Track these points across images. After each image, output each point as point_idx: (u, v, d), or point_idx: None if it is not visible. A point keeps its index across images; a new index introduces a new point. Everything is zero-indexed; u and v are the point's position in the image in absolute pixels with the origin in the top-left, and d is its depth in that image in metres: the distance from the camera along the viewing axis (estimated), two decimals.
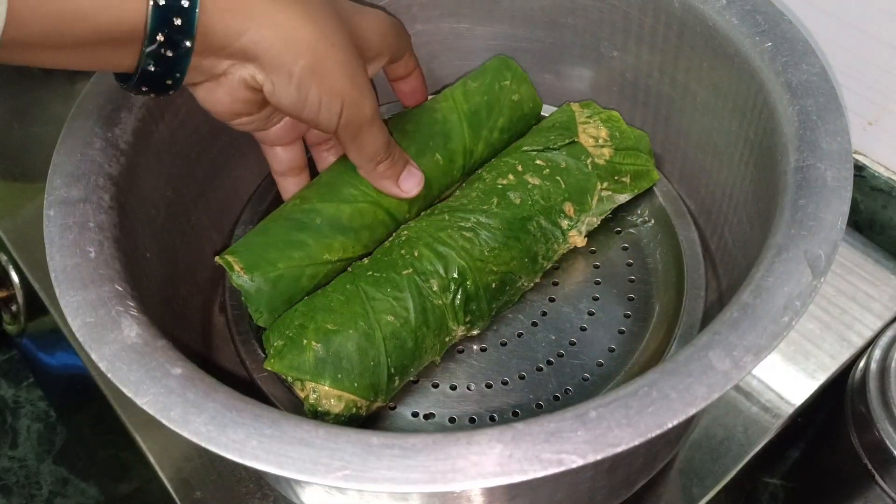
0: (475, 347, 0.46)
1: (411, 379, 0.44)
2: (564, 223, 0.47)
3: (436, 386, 0.44)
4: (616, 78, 0.52)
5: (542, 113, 0.53)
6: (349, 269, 0.44)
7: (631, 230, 0.50)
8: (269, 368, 0.40)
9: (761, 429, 0.48)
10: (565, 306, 0.47)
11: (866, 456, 0.49)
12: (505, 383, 0.44)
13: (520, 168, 0.47)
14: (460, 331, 0.44)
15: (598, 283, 0.48)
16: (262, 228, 0.44)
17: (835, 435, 0.53)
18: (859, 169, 0.56)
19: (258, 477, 0.46)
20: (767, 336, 0.31)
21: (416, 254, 0.43)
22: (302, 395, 0.40)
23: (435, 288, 0.42)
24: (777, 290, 0.32)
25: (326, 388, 0.40)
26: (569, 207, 0.47)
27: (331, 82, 0.37)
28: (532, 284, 0.47)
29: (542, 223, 0.46)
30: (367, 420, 0.42)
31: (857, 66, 0.53)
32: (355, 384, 0.40)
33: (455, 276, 0.43)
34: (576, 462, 0.28)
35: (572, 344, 0.45)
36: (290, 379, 0.41)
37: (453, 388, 0.44)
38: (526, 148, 0.48)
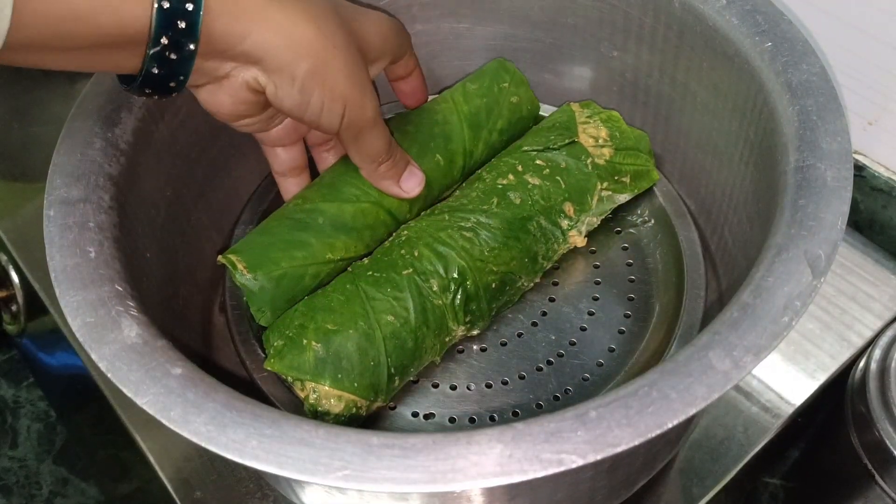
0: (475, 347, 0.46)
1: (411, 379, 0.44)
2: (564, 223, 0.47)
3: (436, 386, 0.44)
4: (616, 78, 0.52)
5: (542, 113, 0.53)
6: (349, 268, 0.44)
7: (631, 230, 0.50)
8: (269, 368, 0.40)
9: (761, 429, 0.48)
10: (565, 306, 0.47)
11: (866, 456, 0.49)
12: (505, 383, 0.44)
13: (520, 168, 0.47)
14: (460, 331, 0.44)
15: (598, 283, 0.48)
16: (265, 228, 0.44)
17: (835, 435, 0.53)
18: (859, 169, 0.56)
19: (258, 477, 0.46)
20: (767, 336, 0.31)
21: (416, 254, 0.43)
22: (302, 395, 0.40)
23: (435, 288, 0.42)
24: (777, 290, 0.32)
25: (326, 388, 0.40)
26: (569, 207, 0.47)
27: (333, 85, 0.37)
28: (532, 284, 0.47)
29: (542, 223, 0.46)
30: (367, 420, 0.42)
31: (857, 66, 0.53)
32: (355, 384, 0.40)
33: (455, 276, 0.43)
34: (576, 462, 0.28)
35: (572, 344, 0.45)
36: (290, 379, 0.41)
37: (453, 388, 0.44)
38: (526, 148, 0.48)
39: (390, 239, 0.45)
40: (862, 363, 0.49)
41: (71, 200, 0.38)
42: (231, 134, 0.48)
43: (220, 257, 0.43)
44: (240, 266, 0.42)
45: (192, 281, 0.48)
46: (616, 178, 0.48)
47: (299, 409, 0.41)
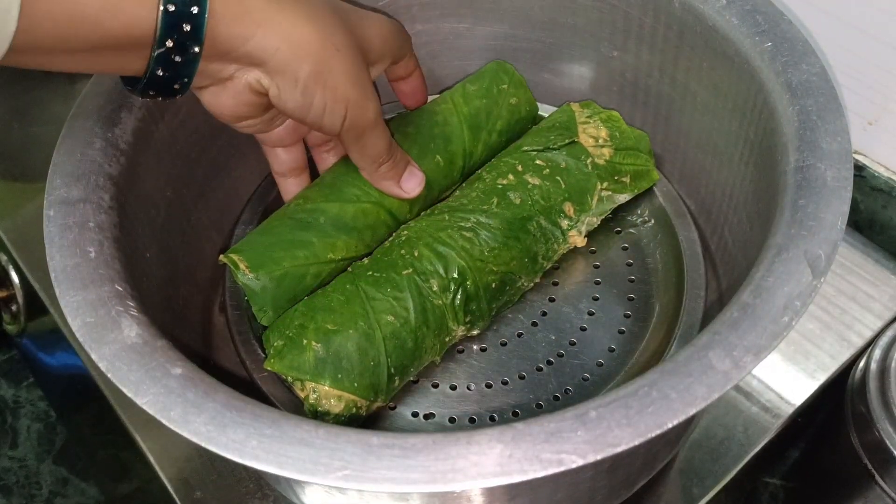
0: (475, 347, 0.46)
1: (411, 379, 0.44)
2: (564, 223, 0.47)
3: (436, 386, 0.44)
4: (616, 78, 0.52)
5: (541, 113, 0.53)
6: (349, 268, 0.44)
7: (631, 230, 0.50)
8: (269, 368, 0.40)
9: (761, 429, 0.48)
10: (565, 306, 0.47)
11: (866, 456, 0.49)
12: (505, 383, 0.44)
13: (520, 168, 0.47)
14: (460, 331, 0.44)
15: (598, 283, 0.48)
16: (266, 228, 0.44)
17: (835, 435, 0.53)
18: (859, 169, 0.56)
19: (258, 477, 0.46)
20: (767, 336, 0.31)
21: (416, 254, 0.43)
22: (302, 395, 0.40)
23: (435, 288, 0.42)
24: (777, 290, 0.32)
25: (326, 388, 0.40)
26: (569, 207, 0.47)
27: (335, 87, 0.37)
28: (532, 284, 0.47)
29: (542, 223, 0.46)
30: (367, 420, 0.42)
31: (857, 66, 0.53)
32: (355, 384, 0.40)
33: (455, 276, 0.43)
34: (576, 462, 0.28)
35: (572, 344, 0.45)
36: (290, 379, 0.41)
37: (453, 388, 0.44)
38: (526, 148, 0.48)
39: (390, 239, 0.45)
40: (862, 363, 0.49)
41: (71, 200, 0.38)
42: (231, 134, 0.48)
43: (221, 257, 0.43)
44: (242, 266, 0.42)
45: (192, 281, 0.48)
46: (616, 178, 0.48)
47: (299, 409, 0.41)
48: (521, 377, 0.44)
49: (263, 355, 0.43)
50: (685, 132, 0.50)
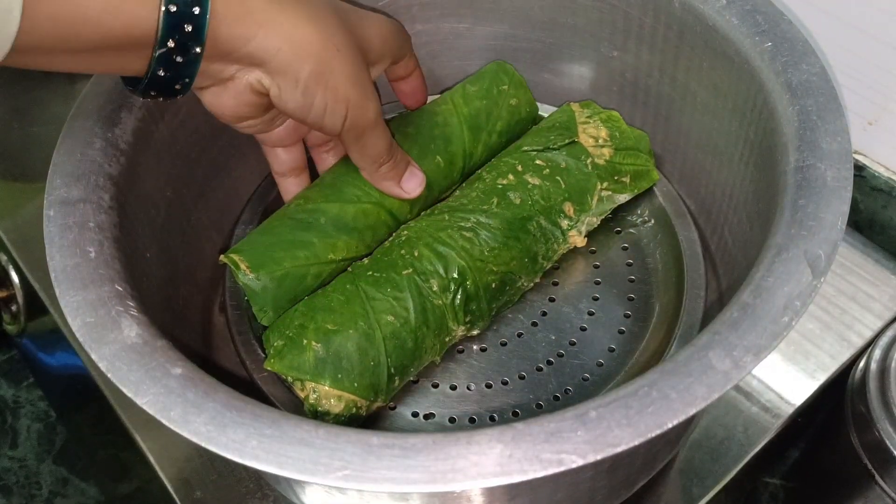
0: (475, 347, 0.46)
1: (411, 379, 0.44)
2: (564, 223, 0.47)
3: (436, 386, 0.44)
4: (616, 78, 0.52)
5: (541, 113, 0.53)
6: (349, 268, 0.44)
7: (631, 230, 0.50)
8: (269, 368, 0.40)
9: (761, 429, 0.48)
10: (565, 306, 0.47)
11: (866, 456, 0.49)
12: (505, 383, 0.44)
13: (520, 168, 0.47)
14: (460, 331, 0.44)
15: (598, 283, 0.48)
16: (267, 228, 0.44)
17: (835, 435, 0.53)
18: (859, 169, 0.56)
19: (258, 477, 0.46)
20: (767, 336, 0.31)
21: (416, 254, 0.43)
22: (302, 395, 0.40)
23: (435, 288, 0.42)
24: (777, 290, 0.32)
25: (326, 388, 0.40)
26: (569, 207, 0.47)
27: (336, 87, 0.37)
28: (532, 284, 0.47)
29: (542, 223, 0.46)
30: (367, 420, 0.42)
31: (857, 66, 0.53)
32: (355, 384, 0.40)
33: (455, 276, 0.43)
34: (576, 462, 0.28)
35: (572, 344, 0.45)
36: (290, 379, 0.41)
37: (453, 388, 0.44)
38: (526, 148, 0.48)
39: (390, 239, 0.45)
40: (862, 363, 0.49)
41: (71, 200, 0.38)
42: (231, 134, 0.48)
43: (222, 257, 0.43)
44: (242, 266, 0.42)
45: (192, 281, 0.48)
46: (616, 178, 0.48)
47: (299, 409, 0.41)
48: (521, 377, 0.44)
49: (263, 355, 0.43)
50: (685, 132, 0.50)
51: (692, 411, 0.29)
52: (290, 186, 0.47)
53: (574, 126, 0.49)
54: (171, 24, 0.32)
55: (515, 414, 0.43)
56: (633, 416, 0.29)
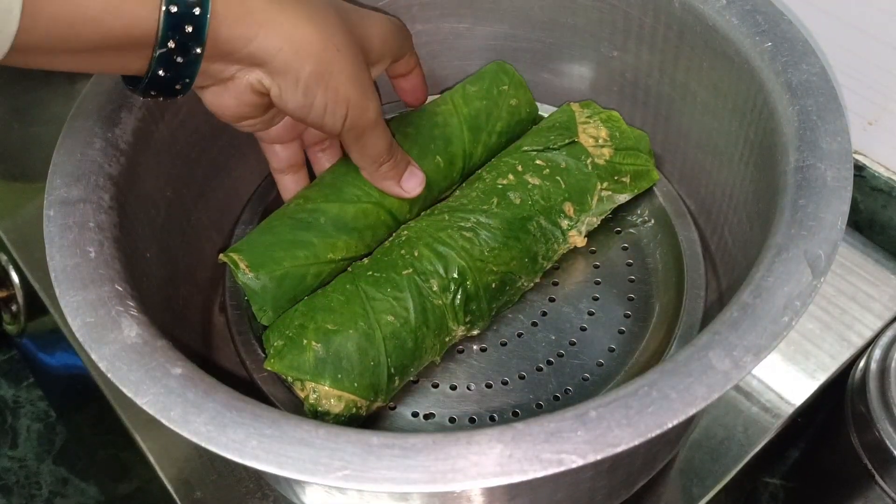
0: (475, 347, 0.46)
1: (411, 379, 0.44)
2: (564, 223, 0.47)
3: (436, 386, 0.44)
4: (616, 78, 0.52)
5: (541, 113, 0.53)
6: (349, 268, 0.44)
7: (631, 230, 0.50)
8: (269, 368, 0.40)
9: (761, 429, 0.48)
10: (565, 306, 0.47)
11: (866, 456, 0.49)
12: (505, 383, 0.44)
13: (520, 168, 0.47)
14: (460, 331, 0.44)
15: (598, 283, 0.48)
16: (267, 227, 0.44)
17: (835, 435, 0.53)
18: (859, 169, 0.56)
19: (258, 477, 0.46)
20: (767, 336, 0.31)
21: (416, 254, 0.43)
22: (302, 395, 0.40)
23: (435, 288, 0.42)
24: (777, 290, 0.32)
25: (326, 388, 0.40)
26: (569, 207, 0.47)
27: (336, 87, 0.37)
28: (532, 284, 0.47)
29: (542, 223, 0.46)
30: (367, 420, 0.42)
31: (857, 66, 0.53)
32: (355, 384, 0.40)
33: (455, 276, 0.43)
34: (576, 462, 0.28)
35: (572, 344, 0.45)
36: (290, 379, 0.41)
37: (453, 388, 0.44)
38: (526, 148, 0.48)
39: (390, 239, 0.45)
40: (862, 363, 0.49)
41: (71, 200, 0.38)
42: (231, 134, 0.48)
43: (221, 256, 0.43)
44: (242, 265, 0.42)
45: (192, 281, 0.48)
46: (616, 178, 0.48)
47: (299, 409, 0.41)
48: (521, 377, 0.44)
49: (263, 355, 0.43)
50: (685, 132, 0.50)
51: (692, 411, 0.29)
52: (289, 183, 0.47)
53: (574, 126, 0.49)
54: (172, 24, 0.32)
55: (515, 414, 0.43)
56: (633, 416, 0.29)
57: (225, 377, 0.32)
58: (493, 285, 0.44)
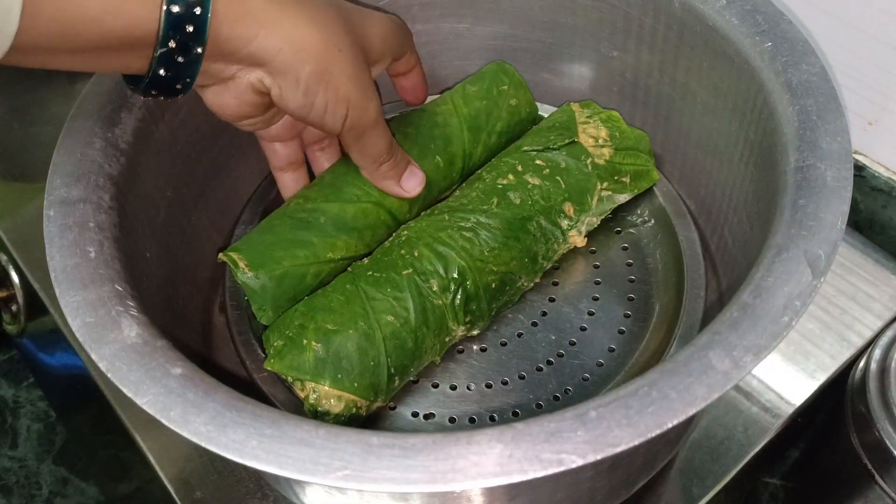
0: (475, 347, 0.46)
1: (411, 379, 0.44)
2: (564, 223, 0.47)
3: (436, 386, 0.44)
4: (616, 78, 0.52)
5: (541, 113, 0.53)
6: (349, 269, 0.44)
7: (631, 230, 0.50)
8: (269, 368, 0.40)
9: (761, 429, 0.48)
10: (565, 306, 0.47)
11: (866, 456, 0.49)
12: (505, 383, 0.44)
13: (520, 168, 0.47)
14: (460, 331, 0.44)
15: (598, 283, 0.48)
16: (266, 227, 0.44)
17: (835, 435, 0.53)
18: (859, 169, 0.56)
19: (258, 477, 0.46)
20: (767, 336, 0.31)
21: (416, 254, 0.43)
22: (302, 395, 0.40)
23: (435, 288, 0.42)
24: (777, 290, 0.32)
25: (326, 388, 0.40)
26: (569, 207, 0.47)
27: (337, 87, 0.37)
28: (532, 284, 0.47)
29: (542, 223, 0.46)
30: (367, 420, 0.42)
31: (857, 66, 0.53)
32: (355, 384, 0.40)
33: (455, 276, 0.43)
34: (576, 462, 0.28)
35: (572, 344, 0.45)
36: (290, 379, 0.41)
37: (453, 388, 0.44)
38: (526, 148, 0.48)
39: (390, 239, 0.45)
40: (862, 363, 0.49)
41: (71, 200, 0.38)
42: (231, 134, 0.48)
43: (221, 255, 0.43)
44: (241, 264, 0.42)
45: (192, 281, 0.48)
46: (616, 178, 0.48)
47: (299, 409, 0.41)
48: (521, 377, 0.44)
49: (263, 355, 0.43)
50: (685, 132, 0.50)
51: (692, 411, 0.29)
52: (288, 181, 0.47)
53: (574, 126, 0.49)
54: (173, 24, 0.32)
55: (515, 414, 0.43)
56: (633, 416, 0.29)
57: (225, 377, 0.32)
58: (493, 285, 0.44)
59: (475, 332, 0.45)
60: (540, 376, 0.44)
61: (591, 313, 0.47)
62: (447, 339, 0.44)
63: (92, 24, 0.31)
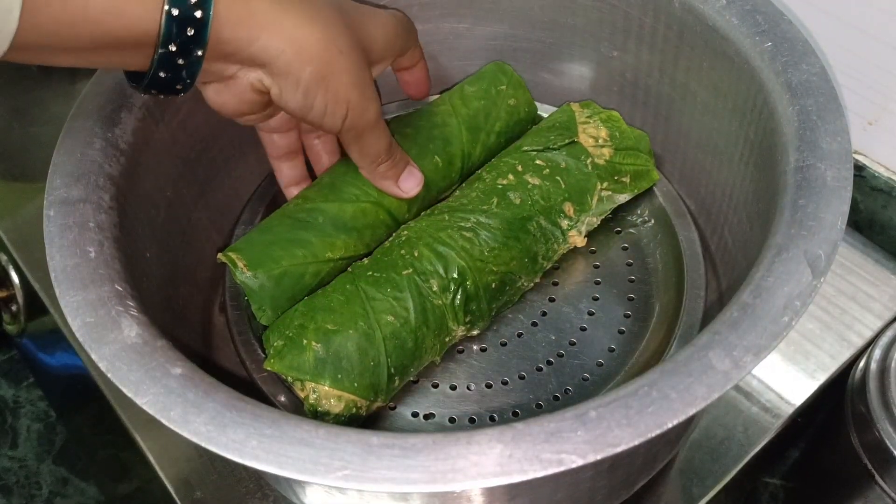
0: (475, 347, 0.46)
1: (411, 379, 0.44)
2: (564, 223, 0.47)
3: (436, 386, 0.44)
4: (616, 78, 0.52)
5: (541, 113, 0.53)
6: (349, 269, 0.44)
7: (631, 230, 0.50)
8: (269, 368, 0.40)
9: (761, 429, 0.48)
10: (565, 306, 0.47)
11: (866, 456, 0.49)
12: (505, 383, 0.44)
13: (520, 168, 0.47)
14: (460, 331, 0.44)
15: (598, 283, 0.48)
16: (265, 227, 0.44)
17: (835, 435, 0.53)
18: (859, 169, 0.56)
19: (258, 477, 0.46)
20: (767, 336, 0.31)
21: (416, 254, 0.43)
22: (302, 395, 0.40)
23: (435, 288, 0.42)
24: (777, 290, 0.32)
25: (326, 388, 0.40)
26: (569, 207, 0.47)
27: (336, 89, 0.37)
28: (532, 284, 0.47)
29: (542, 223, 0.46)
30: (367, 420, 0.42)
31: (857, 66, 0.53)
32: (355, 384, 0.40)
33: (455, 276, 0.43)
34: (576, 462, 0.28)
35: (572, 344, 0.45)
36: (290, 379, 0.41)
37: (453, 388, 0.44)
38: (526, 148, 0.48)
39: (390, 239, 0.45)
40: (862, 363, 0.49)
41: (71, 200, 0.38)
42: (231, 134, 0.48)
43: (219, 255, 0.43)
44: (240, 264, 0.42)
45: (192, 281, 0.48)
46: (616, 178, 0.48)
47: (299, 409, 0.41)
48: (521, 377, 0.44)
49: (263, 355, 0.43)
50: (685, 132, 0.50)
51: (692, 411, 0.29)
52: (285, 170, 0.47)
53: (574, 126, 0.49)
54: (174, 28, 0.32)
55: (515, 414, 0.43)
56: (633, 416, 0.29)
57: (225, 377, 0.32)
58: (493, 285, 0.44)
59: (475, 332, 0.45)
60: (540, 376, 0.44)
61: (591, 313, 0.47)
62: (447, 339, 0.44)
63: (93, 24, 0.31)
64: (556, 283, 0.48)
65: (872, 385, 0.47)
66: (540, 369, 0.44)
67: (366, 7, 0.41)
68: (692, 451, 0.47)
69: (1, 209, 0.61)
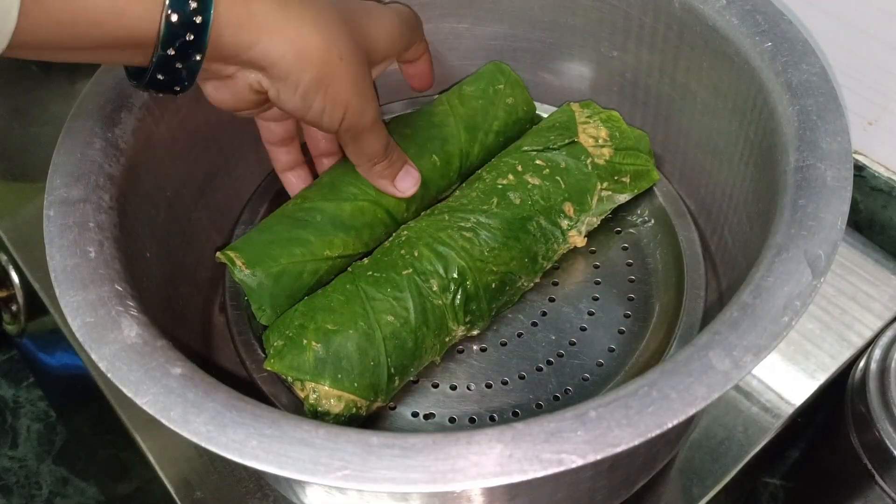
0: (475, 347, 0.46)
1: (411, 379, 0.44)
2: (564, 223, 0.47)
3: (436, 386, 0.44)
4: (616, 78, 0.52)
5: (541, 113, 0.53)
6: (349, 269, 0.44)
7: (631, 230, 0.50)
8: (269, 368, 0.40)
9: (761, 429, 0.48)
10: (565, 306, 0.47)
11: (866, 456, 0.49)
12: (505, 383, 0.44)
13: (520, 168, 0.47)
14: (460, 331, 0.44)
15: (598, 283, 0.48)
16: (264, 226, 0.44)
17: (835, 435, 0.53)
18: (859, 169, 0.56)
19: (258, 477, 0.46)
20: (767, 336, 0.31)
21: (416, 254, 0.43)
22: (302, 395, 0.40)
23: (435, 288, 0.42)
24: (777, 290, 0.32)
25: (326, 388, 0.40)
26: (569, 207, 0.47)
27: (336, 93, 0.37)
28: (532, 284, 0.47)
29: (541, 223, 0.46)
30: (367, 420, 0.42)
31: (857, 66, 0.53)
32: (355, 384, 0.40)
33: (455, 276, 0.43)
34: (576, 462, 0.28)
35: (572, 344, 0.45)
36: (290, 379, 0.41)
37: (453, 388, 0.44)
38: (526, 148, 0.48)
39: (390, 239, 0.45)
40: (862, 363, 0.49)
41: (71, 200, 0.38)
42: (231, 134, 0.48)
43: (218, 254, 0.43)
44: (238, 262, 0.42)
45: (192, 281, 0.48)
46: (616, 178, 0.48)
47: (299, 409, 0.41)
48: (521, 377, 0.44)
49: (263, 355, 0.43)
50: (685, 132, 0.50)
51: (692, 411, 0.29)
52: (281, 155, 0.47)
53: (574, 126, 0.49)
54: (173, 32, 0.32)
55: (515, 414, 0.43)
56: (633, 416, 0.29)
57: (225, 377, 0.32)
58: (493, 285, 0.44)
59: (475, 332, 0.45)
60: (540, 376, 0.44)
61: (591, 313, 0.47)
62: (447, 339, 0.44)
63: (93, 25, 0.31)
64: (556, 283, 0.48)
65: (872, 385, 0.47)
66: (540, 369, 0.44)
67: (370, 4, 0.41)
68: (692, 451, 0.47)
69: (1, 209, 0.61)
